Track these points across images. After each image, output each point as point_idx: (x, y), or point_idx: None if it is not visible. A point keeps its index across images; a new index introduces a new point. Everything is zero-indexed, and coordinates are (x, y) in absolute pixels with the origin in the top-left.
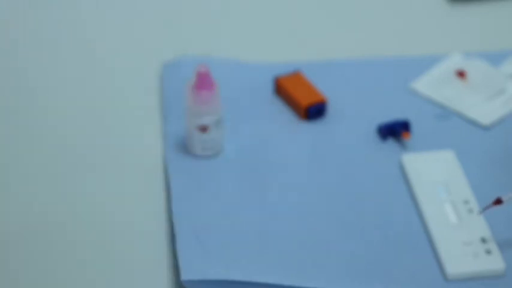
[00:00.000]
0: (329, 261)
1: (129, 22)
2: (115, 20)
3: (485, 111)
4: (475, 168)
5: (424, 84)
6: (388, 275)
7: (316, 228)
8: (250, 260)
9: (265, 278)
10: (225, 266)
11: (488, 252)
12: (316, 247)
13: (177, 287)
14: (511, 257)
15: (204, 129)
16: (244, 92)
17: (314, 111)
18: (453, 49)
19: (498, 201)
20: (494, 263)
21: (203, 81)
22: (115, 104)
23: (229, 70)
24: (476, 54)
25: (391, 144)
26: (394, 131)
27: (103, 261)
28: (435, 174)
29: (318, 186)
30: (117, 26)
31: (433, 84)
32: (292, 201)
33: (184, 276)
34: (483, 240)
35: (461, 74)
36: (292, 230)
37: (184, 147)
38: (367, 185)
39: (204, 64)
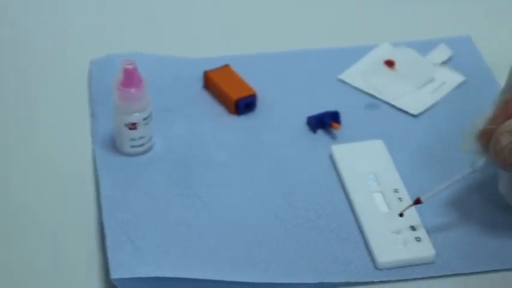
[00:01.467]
0: (260, 255)
1: (56, 20)
2: (42, 18)
3: (414, 101)
4: (405, 157)
5: (353, 75)
6: (320, 266)
7: (248, 222)
8: (181, 256)
9: (196, 274)
10: (155, 264)
11: (417, 239)
12: (248, 241)
13: (108, 286)
14: (440, 244)
15: (132, 126)
16: (173, 87)
17: (244, 105)
18: (382, 39)
19: (418, 202)
20: (424, 250)
21: (130, 78)
22: (42, 102)
23: (158, 66)
24: (404, 43)
25: (321, 135)
26: (324, 122)
27: (33, 261)
28: (365, 164)
29: (249, 180)
30: (44, 23)
31: (362, 75)
32: (223, 196)
33: (114, 274)
34: (412, 228)
35: (390, 64)
36: (224, 225)
37: (113, 145)
38: (298, 177)
39: (130, 61)
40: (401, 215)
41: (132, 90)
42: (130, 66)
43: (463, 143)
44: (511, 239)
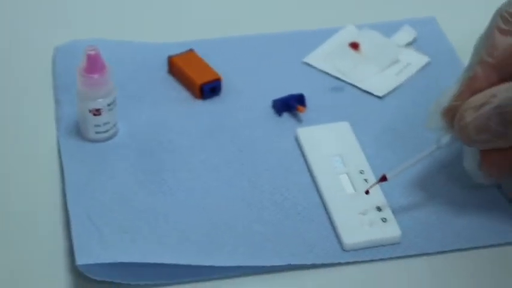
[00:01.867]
0: (227, 239)
1: (19, 6)
2: (4, 4)
3: (379, 82)
4: (370, 139)
5: (318, 58)
6: (287, 248)
7: (214, 206)
8: (147, 242)
9: (162, 259)
10: (121, 249)
11: (384, 220)
12: (214, 225)
13: (74, 272)
14: (406, 224)
15: (96, 112)
16: (138, 73)
17: (209, 89)
18: (346, 22)
19: (383, 179)
20: (390, 230)
21: (93, 64)
22: (6, 90)
23: (122, 51)
24: (369, 25)
25: (286, 118)
26: (289, 105)
27: None
28: (330, 146)
29: (215, 165)
30: (7, 10)
31: (327, 57)
32: (189, 181)
33: (80, 260)
34: (379, 209)
35: (354, 46)
36: (190, 209)
37: (78, 132)
38: (264, 161)
39: (93, 46)
40: (367, 192)
41: (96, 76)
42: (93, 52)
43: (428, 121)
44: (477, 217)
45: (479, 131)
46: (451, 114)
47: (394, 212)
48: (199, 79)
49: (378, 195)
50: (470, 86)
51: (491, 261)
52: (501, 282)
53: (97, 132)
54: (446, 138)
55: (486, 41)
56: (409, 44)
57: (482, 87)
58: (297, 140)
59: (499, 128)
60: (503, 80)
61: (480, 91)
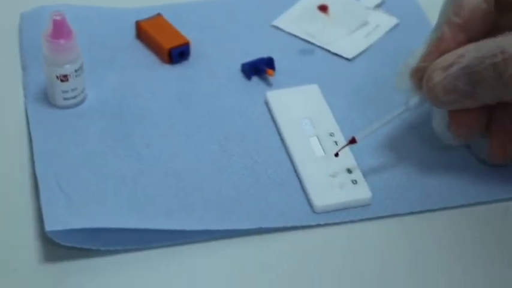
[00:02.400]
0: (197, 203)
1: None
2: None
3: (348, 45)
4: (340, 101)
5: (287, 21)
6: (257, 212)
7: (184, 171)
8: (117, 207)
9: (132, 224)
10: (90, 215)
11: (354, 182)
12: (184, 190)
13: (44, 239)
14: (376, 186)
15: (64, 78)
16: (105, 38)
17: (177, 53)
18: None
19: (353, 141)
20: (361, 192)
21: (59, 29)
22: None
23: (89, 17)
24: None
25: (256, 82)
26: (258, 68)
27: None
28: (300, 109)
29: (185, 130)
30: None
31: (296, 20)
32: (158, 146)
33: (49, 227)
34: (349, 171)
35: (323, 9)
36: (159, 174)
37: (46, 98)
38: (233, 124)
39: (59, 12)
40: (336, 155)
41: (62, 41)
42: (58, 17)
43: (396, 82)
44: (447, 178)
45: (448, 91)
46: (419, 75)
47: (364, 173)
48: (168, 43)
49: (348, 157)
50: (438, 47)
51: (462, 221)
52: (472, 241)
53: (65, 99)
54: (414, 100)
55: (453, 1)
56: (378, 6)
57: (450, 48)
58: (266, 104)
59: (467, 88)
60: (470, 39)
61: (448, 51)
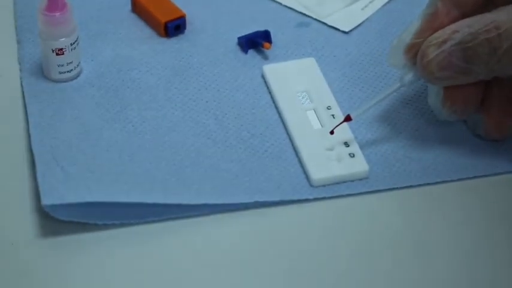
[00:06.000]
0: (194, 177)
1: None
2: None
3: (345, 17)
4: (337, 74)
5: None
6: (254, 186)
7: (180, 144)
8: (113, 181)
9: (128, 198)
10: (87, 189)
11: (351, 155)
12: (181, 163)
13: (40, 213)
14: (373, 159)
15: (59, 52)
16: (101, 12)
17: (173, 27)
18: None
19: (348, 119)
20: (358, 166)
21: (54, 3)
22: None
23: None
24: None
25: (252, 55)
26: (255, 42)
27: None
28: (297, 82)
29: (181, 103)
30: None
31: None
32: (154, 119)
33: (45, 201)
34: (346, 144)
35: None
36: (155, 148)
37: (41, 72)
38: (230, 98)
39: None
40: (332, 132)
41: (57, 14)
42: None
43: (390, 58)
44: (444, 152)
45: (442, 67)
46: (413, 52)
47: (361, 147)
48: (164, 17)
49: (345, 130)
50: (432, 23)
51: (459, 195)
52: (469, 215)
53: (61, 72)
54: (409, 76)
55: None
56: None
57: (444, 24)
58: (263, 77)
59: (461, 64)
60: (464, 15)
61: (442, 27)
